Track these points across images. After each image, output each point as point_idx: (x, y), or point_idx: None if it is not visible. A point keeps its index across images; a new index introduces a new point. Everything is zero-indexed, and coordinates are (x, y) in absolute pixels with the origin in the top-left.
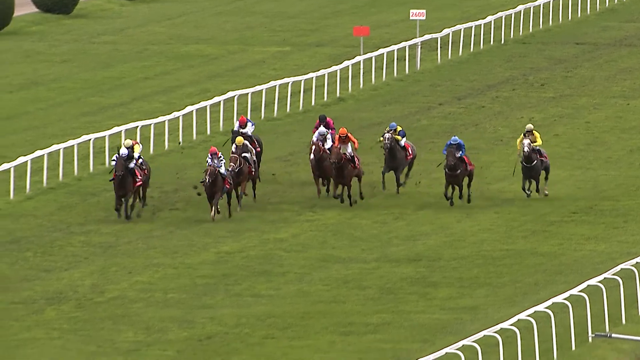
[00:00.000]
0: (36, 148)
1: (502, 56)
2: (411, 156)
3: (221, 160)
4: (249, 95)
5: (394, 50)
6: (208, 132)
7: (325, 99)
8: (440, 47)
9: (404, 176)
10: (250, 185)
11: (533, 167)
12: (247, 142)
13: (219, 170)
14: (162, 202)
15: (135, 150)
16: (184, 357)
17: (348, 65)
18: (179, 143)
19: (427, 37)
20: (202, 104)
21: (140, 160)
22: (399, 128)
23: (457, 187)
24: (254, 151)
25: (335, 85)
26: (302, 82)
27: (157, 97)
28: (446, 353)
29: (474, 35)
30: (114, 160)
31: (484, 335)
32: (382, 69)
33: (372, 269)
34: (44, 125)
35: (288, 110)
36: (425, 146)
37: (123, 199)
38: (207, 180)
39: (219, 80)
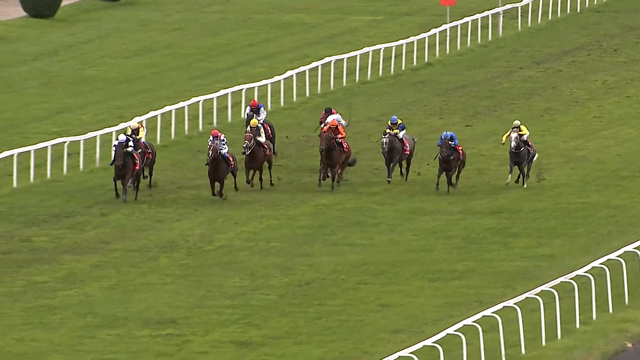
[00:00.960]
0: (150, 109)
1: (577, 24)
2: (407, 151)
3: (224, 142)
4: (345, 60)
5: (477, 19)
6: (307, 94)
7: (415, 63)
8: (521, 16)
9: (404, 169)
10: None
11: (519, 153)
12: (260, 126)
13: (220, 153)
14: None
15: (139, 133)
16: (285, 301)
17: (435, 33)
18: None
19: (508, 6)
20: (302, 68)
21: (144, 142)
22: (399, 121)
23: (449, 174)
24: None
25: (424, 51)
26: (393, 48)
27: (260, 62)
28: (526, 298)
29: (552, 4)
30: (114, 146)
31: (561, 282)
32: (467, 35)
33: (458, 221)
34: (158, 88)
35: (380, 74)
36: (506, 107)
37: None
38: (209, 155)
39: (317, 47)
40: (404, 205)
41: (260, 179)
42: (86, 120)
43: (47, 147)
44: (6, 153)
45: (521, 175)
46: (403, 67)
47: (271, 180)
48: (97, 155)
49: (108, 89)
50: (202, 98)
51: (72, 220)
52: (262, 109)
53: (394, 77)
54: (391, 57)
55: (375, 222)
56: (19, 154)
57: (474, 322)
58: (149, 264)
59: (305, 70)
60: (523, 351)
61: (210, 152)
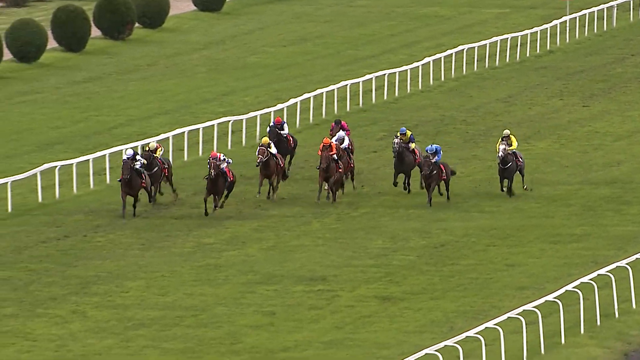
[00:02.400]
0: (304, 91)
1: None
2: (419, 160)
3: (223, 160)
4: (476, 48)
5: (594, 11)
6: (442, 78)
7: (538, 51)
8: (633, 9)
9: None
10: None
11: (507, 168)
12: (271, 142)
13: (220, 170)
14: None
15: (157, 152)
16: (422, 260)
17: (556, 24)
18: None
19: (621, 0)
20: (437, 55)
21: (161, 157)
22: (409, 133)
23: (430, 189)
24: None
25: (546, 40)
26: (519, 37)
27: (401, 50)
28: (636, 258)
29: None
30: (123, 161)
31: None
32: (585, 26)
33: (576, 190)
34: (310, 73)
35: (507, 60)
36: (620, 90)
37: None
38: (211, 174)
39: (451, 36)
40: (527, 177)
41: (274, 190)
42: (248, 102)
43: (213, 125)
44: (178, 130)
45: (509, 183)
46: (527, 54)
47: (274, 194)
48: (257, 132)
49: (267, 74)
50: (349, 82)
51: (235, 189)
52: (284, 125)
53: (519, 63)
54: (517, 46)
55: (500, 193)
56: (190, 131)
57: (590, 280)
58: (303, 227)
59: (440, 57)
60: (634, 305)
61: (212, 170)
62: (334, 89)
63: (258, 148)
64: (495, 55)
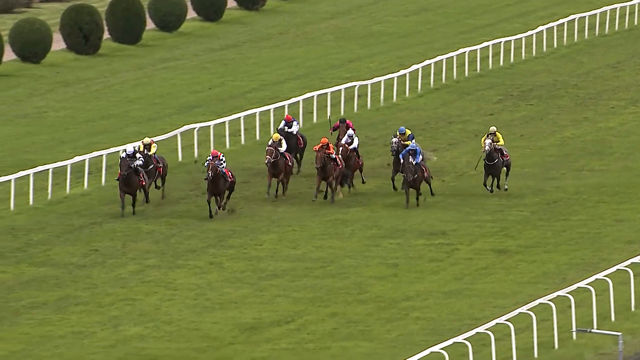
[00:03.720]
0: (425, 58)
1: None
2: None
3: (222, 161)
4: (587, 17)
5: None
6: (555, 45)
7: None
8: None
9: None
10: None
11: (494, 164)
12: (282, 138)
13: (219, 171)
14: (520, 98)
15: (151, 149)
16: (536, 216)
17: (635, 4)
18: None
19: None
20: (550, 24)
21: (155, 156)
22: (408, 132)
23: (412, 190)
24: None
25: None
26: (627, 7)
27: (516, 19)
28: None
29: None
30: (121, 158)
31: None
32: None
33: None
34: (431, 41)
35: (616, 28)
36: None
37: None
38: (208, 175)
39: (564, 6)
40: (636, 137)
41: (284, 188)
42: (373, 68)
43: (340, 89)
44: (308, 94)
45: (497, 181)
46: (635, 23)
47: (284, 191)
48: (381, 97)
49: (391, 42)
50: (467, 49)
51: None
52: (294, 122)
53: (628, 31)
54: (625, 15)
55: (612, 152)
56: (318, 95)
57: None
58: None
59: (553, 26)
60: None
61: (210, 171)
62: (453, 56)
63: (267, 147)
64: (605, 23)
